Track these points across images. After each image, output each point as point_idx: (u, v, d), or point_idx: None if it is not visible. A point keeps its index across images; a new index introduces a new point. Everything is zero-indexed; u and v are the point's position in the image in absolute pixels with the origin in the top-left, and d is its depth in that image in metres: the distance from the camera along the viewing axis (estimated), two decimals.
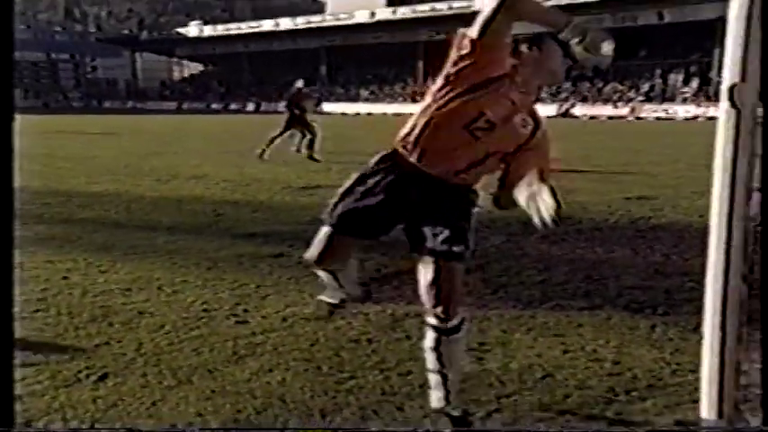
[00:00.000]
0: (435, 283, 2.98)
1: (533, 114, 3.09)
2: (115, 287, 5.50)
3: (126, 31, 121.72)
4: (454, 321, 3.02)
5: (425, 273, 3.01)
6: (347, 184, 3.23)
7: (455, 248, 2.98)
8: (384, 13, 74.92)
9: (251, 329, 4.53)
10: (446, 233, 2.98)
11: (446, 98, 2.96)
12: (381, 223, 3.19)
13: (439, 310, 2.99)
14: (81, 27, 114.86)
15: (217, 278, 5.80)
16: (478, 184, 3.15)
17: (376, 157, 3.21)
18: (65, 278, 5.77)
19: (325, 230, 3.28)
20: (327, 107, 71.46)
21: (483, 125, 2.95)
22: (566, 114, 41.49)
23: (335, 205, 3.22)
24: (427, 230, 3.01)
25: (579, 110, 55.58)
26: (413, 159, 3.06)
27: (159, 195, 10.91)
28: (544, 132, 3.13)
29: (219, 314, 4.86)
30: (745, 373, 2.78)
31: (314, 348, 4.19)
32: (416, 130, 3.05)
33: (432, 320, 3.04)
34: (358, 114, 63.44)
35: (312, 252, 3.34)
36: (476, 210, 3.14)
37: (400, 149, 3.11)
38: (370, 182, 3.15)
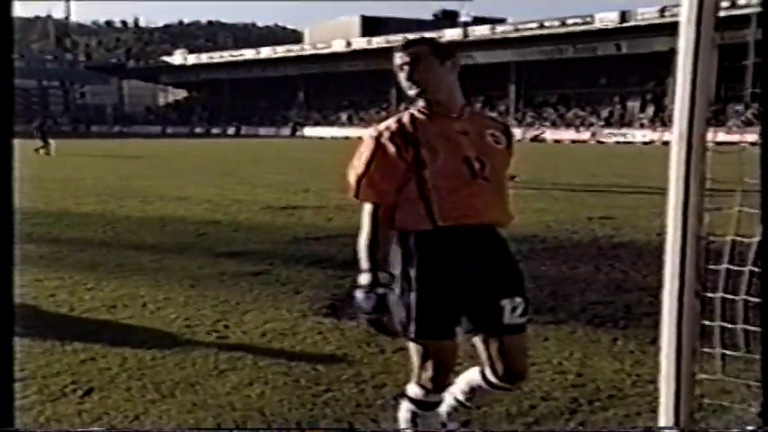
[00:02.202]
0: (509, 357, 2.60)
1: (498, 126, 2.70)
2: (101, 304, 5.44)
3: (114, 60, 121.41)
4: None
5: (492, 349, 2.58)
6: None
7: (527, 318, 2.62)
8: (359, 43, 75.27)
9: (232, 344, 4.49)
10: (522, 304, 2.58)
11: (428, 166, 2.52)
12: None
13: (518, 383, 2.69)
14: (71, 56, 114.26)
15: (199, 295, 5.75)
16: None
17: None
18: (52, 296, 5.69)
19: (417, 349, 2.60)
20: (306, 131, 71.57)
21: (477, 165, 2.54)
22: (535, 139, 41.86)
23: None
24: (506, 303, 2.55)
25: (544, 134, 56.03)
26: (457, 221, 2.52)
27: (144, 216, 10.83)
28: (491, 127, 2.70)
29: (201, 330, 4.81)
30: (700, 384, 2.80)
31: (292, 362, 4.16)
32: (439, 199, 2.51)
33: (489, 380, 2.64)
34: (335, 138, 63.47)
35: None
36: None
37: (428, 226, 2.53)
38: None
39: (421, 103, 2.59)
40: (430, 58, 2.55)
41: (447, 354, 2.59)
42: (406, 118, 2.59)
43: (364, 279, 2.49)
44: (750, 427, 2.70)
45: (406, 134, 2.53)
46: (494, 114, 2.91)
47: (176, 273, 6.64)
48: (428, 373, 2.59)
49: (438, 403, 2.69)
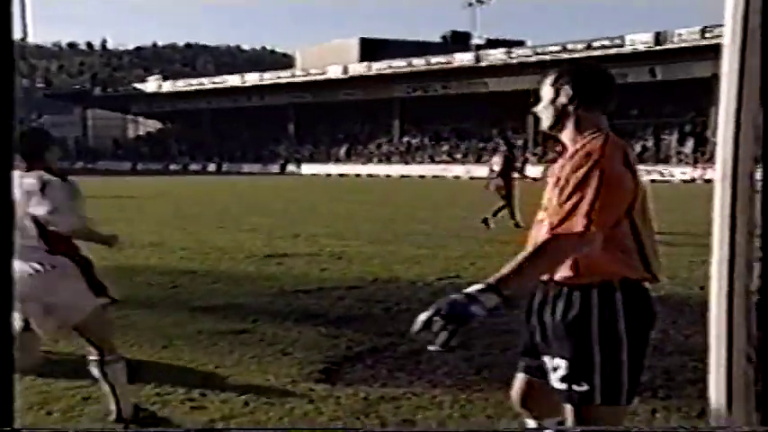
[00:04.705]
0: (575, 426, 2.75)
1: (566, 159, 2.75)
2: (57, 369, 5.39)
3: (77, 86, 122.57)
4: None
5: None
6: None
7: (576, 388, 2.69)
8: (357, 69, 75.96)
9: (209, 416, 4.45)
10: (564, 368, 2.71)
11: None
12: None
13: None
14: (28, 81, 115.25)
15: (172, 357, 5.72)
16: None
17: None
18: None
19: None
20: (297, 168, 71.92)
21: (541, 215, 2.83)
22: None
23: None
24: (547, 360, 2.79)
25: None
26: None
27: (109, 265, 10.74)
28: (561, 166, 2.75)
29: (174, 398, 4.77)
30: None
31: None
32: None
33: None
34: (329, 176, 63.81)
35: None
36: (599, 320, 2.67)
37: None
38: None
39: None
40: (547, 89, 2.83)
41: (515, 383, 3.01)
42: None
43: None
44: None
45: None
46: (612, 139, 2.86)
47: (146, 331, 6.61)
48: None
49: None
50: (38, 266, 4.16)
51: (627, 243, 2.66)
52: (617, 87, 2.88)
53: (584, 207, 2.58)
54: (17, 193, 4.09)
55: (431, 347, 2.54)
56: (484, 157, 65.52)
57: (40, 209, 4.19)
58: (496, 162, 17.09)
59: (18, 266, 4.08)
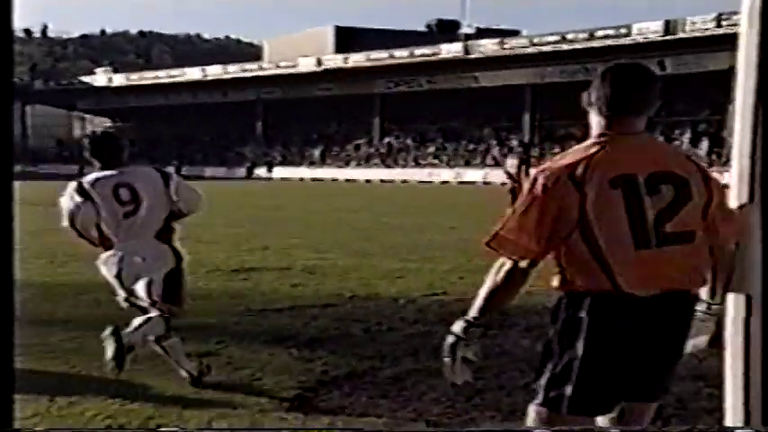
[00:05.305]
0: None
1: None
2: None
3: (15, 79, 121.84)
4: None
5: None
6: None
7: (533, 385, 2.99)
8: (333, 61, 76.00)
9: None
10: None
11: None
12: None
13: None
14: None
15: (125, 385, 5.69)
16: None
17: None
18: None
19: None
20: (265, 172, 71.74)
21: None
22: None
23: None
24: None
25: None
26: None
27: (53, 282, 10.74)
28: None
29: (127, 430, 4.75)
30: None
31: None
32: None
33: None
34: (302, 180, 63.78)
35: None
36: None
37: None
38: None
39: None
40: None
41: None
42: None
43: None
44: None
45: None
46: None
47: (96, 355, 6.55)
48: None
49: None
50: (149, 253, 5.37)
51: (580, 256, 2.79)
52: (650, 88, 2.95)
53: (501, 226, 2.87)
54: (143, 188, 5.25)
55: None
56: (474, 159, 65.80)
57: (180, 194, 5.42)
58: (511, 165, 17.12)
59: (129, 249, 5.45)
